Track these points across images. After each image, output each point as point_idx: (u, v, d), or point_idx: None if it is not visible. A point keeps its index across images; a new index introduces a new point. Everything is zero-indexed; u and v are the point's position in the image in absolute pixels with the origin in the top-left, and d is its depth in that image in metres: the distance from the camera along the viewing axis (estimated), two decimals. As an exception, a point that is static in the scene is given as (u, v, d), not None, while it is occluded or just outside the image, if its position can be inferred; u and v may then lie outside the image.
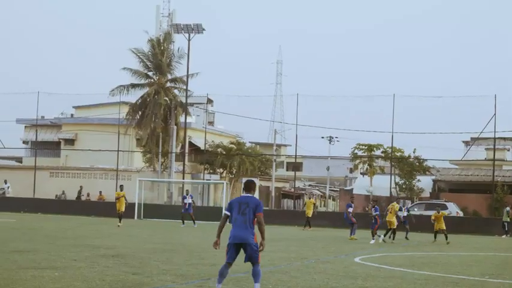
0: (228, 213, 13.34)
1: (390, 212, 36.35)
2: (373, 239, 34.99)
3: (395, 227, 36.21)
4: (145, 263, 19.24)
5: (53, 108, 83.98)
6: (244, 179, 77.44)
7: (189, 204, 45.39)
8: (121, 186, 45.48)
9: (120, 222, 41.38)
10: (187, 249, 25.19)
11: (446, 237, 35.91)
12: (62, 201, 65.67)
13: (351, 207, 38.39)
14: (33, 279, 14.77)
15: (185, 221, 45.00)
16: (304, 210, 49.60)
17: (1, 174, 68.51)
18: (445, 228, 37.06)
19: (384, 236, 35.81)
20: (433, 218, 38.10)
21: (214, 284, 15.19)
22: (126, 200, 43.05)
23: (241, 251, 13.32)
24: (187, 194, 46.36)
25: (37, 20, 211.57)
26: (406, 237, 38.03)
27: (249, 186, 13.58)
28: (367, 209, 37.75)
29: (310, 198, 52.94)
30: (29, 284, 13.92)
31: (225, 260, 13.29)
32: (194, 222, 45.03)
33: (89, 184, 69.89)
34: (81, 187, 67.54)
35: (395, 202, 38.75)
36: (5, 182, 64.88)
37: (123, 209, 42.46)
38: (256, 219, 13.19)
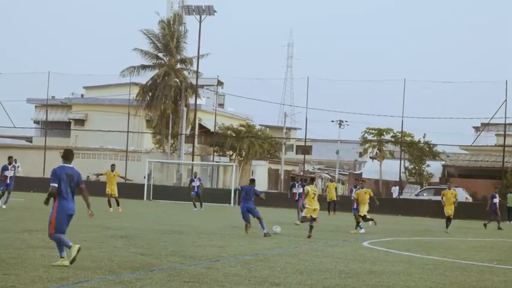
0: (57, 185, 14.01)
1: (446, 200, 32.73)
2: (360, 227, 29.26)
3: (452, 215, 32.78)
4: (154, 244, 19.27)
5: (64, 88, 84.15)
6: (253, 162, 77.88)
7: (197, 187, 43.62)
8: (112, 165, 38.33)
9: (118, 206, 35.71)
10: (196, 230, 25.22)
11: (357, 224, 28.57)
12: (72, 181, 65.80)
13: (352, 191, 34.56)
14: (42, 258, 14.83)
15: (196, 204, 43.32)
16: (325, 194, 48.16)
17: (11, 154, 68.55)
18: (365, 216, 29.09)
19: (447, 227, 32.49)
20: (356, 197, 30.41)
21: (223, 266, 15.24)
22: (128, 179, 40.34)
23: None
24: (195, 177, 45.27)
25: (48, 1, 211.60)
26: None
27: (69, 156, 14.60)
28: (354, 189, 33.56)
29: (332, 182, 51.62)
30: (38, 263, 13.97)
31: (58, 231, 14.12)
32: (201, 205, 43.05)
33: (98, 165, 70.00)
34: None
35: (452, 189, 34.16)
36: (15, 161, 64.97)
37: (116, 192, 36.26)
38: (81, 190, 14.37)
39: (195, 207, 42.97)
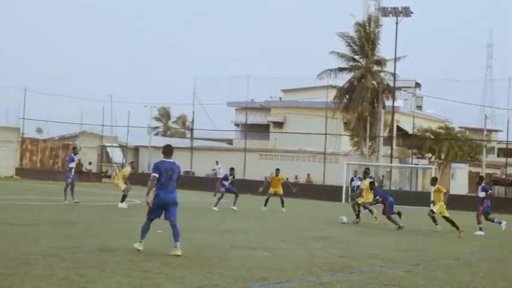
0: (157, 175, 15.00)
1: None
2: (480, 228, 26.56)
3: None
4: (353, 246, 19.28)
5: (262, 91, 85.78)
6: (453, 165, 76.18)
7: (357, 187, 41.12)
8: (277, 170, 37.95)
9: (282, 206, 36.09)
10: (393, 233, 25.02)
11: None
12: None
13: None
14: (244, 258, 15.18)
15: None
16: None
17: (213, 156, 70.80)
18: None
19: None
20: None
21: (424, 269, 15.04)
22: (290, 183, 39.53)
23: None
24: (355, 176, 43.97)
25: (243, 7, 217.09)
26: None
27: (169, 151, 15.48)
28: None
29: None
30: (240, 263, 14.29)
31: (148, 217, 15.23)
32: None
33: (297, 167, 70.83)
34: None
35: None
36: (217, 163, 66.96)
37: (281, 192, 36.77)
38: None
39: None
